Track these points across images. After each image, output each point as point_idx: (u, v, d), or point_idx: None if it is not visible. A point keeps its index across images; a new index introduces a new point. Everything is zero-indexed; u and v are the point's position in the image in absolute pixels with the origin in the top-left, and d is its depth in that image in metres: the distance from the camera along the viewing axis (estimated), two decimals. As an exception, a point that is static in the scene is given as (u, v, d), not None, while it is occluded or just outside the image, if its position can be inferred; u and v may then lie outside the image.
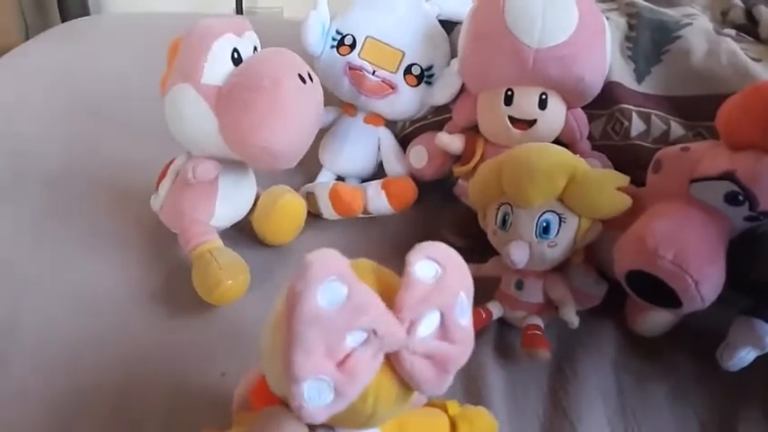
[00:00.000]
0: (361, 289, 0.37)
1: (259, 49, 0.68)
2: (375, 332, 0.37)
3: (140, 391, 0.61)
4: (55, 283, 0.72)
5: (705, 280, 0.55)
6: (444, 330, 0.39)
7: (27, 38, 1.38)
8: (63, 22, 1.45)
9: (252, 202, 0.75)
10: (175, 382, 0.61)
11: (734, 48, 0.76)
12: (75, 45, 1.23)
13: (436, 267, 0.39)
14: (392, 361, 0.39)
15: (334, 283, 0.36)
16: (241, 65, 0.64)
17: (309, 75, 0.65)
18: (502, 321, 0.69)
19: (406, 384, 0.39)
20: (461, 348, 0.40)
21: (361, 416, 0.40)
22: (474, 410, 0.52)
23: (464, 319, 0.40)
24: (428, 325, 0.39)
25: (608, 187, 0.62)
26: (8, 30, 1.32)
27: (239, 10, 1.47)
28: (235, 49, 0.64)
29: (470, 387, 0.62)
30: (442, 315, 0.39)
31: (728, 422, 0.60)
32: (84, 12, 1.49)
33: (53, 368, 0.63)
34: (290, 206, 0.74)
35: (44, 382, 0.62)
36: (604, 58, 0.74)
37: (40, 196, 0.85)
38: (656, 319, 0.66)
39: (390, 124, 0.88)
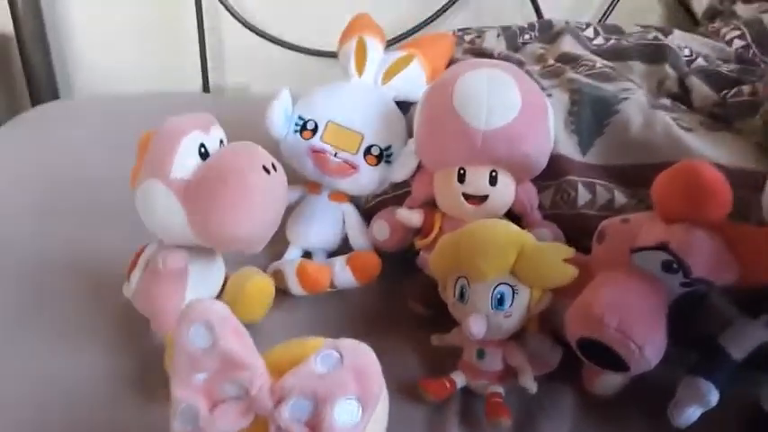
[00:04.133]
0: (232, 345, 0.42)
1: (225, 141, 0.72)
2: (247, 392, 0.42)
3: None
4: (24, 373, 0.73)
5: (648, 344, 0.59)
6: (316, 422, 0.41)
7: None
8: (33, 104, 1.48)
9: (221, 283, 0.78)
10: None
11: (668, 120, 0.82)
12: (45, 132, 1.26)
13: (335, 363, 0.42)
14: None
15: (200, 329, 0.42)
16: (208, 159, 0.68)
17: (273, 165, 0.69)
18: (466, 390, 0.71)
19: None
20: None
21: None
22: None
23: (344, 422, 0.41)
24: (296, 408, 0.42)
25: (555, 259, 0.66)
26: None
27: (206, 87, 1.52)
28: (202, 144, 0.68)
29: (438, 457, 0.65)
30: (315, 406, 0.41)
31: (683, 478, 0.63)
32: (54, 93, 1.52)
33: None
34: (259, 288, 0.76)
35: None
36: (548, 134, 0.79)
37: (10, 289, 0.86)
38: (610, 381, 0.69)
39: (354, 198, 0.92)
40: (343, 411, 0.41)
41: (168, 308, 0.72)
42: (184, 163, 0.67)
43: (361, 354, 0.43)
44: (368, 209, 0.93)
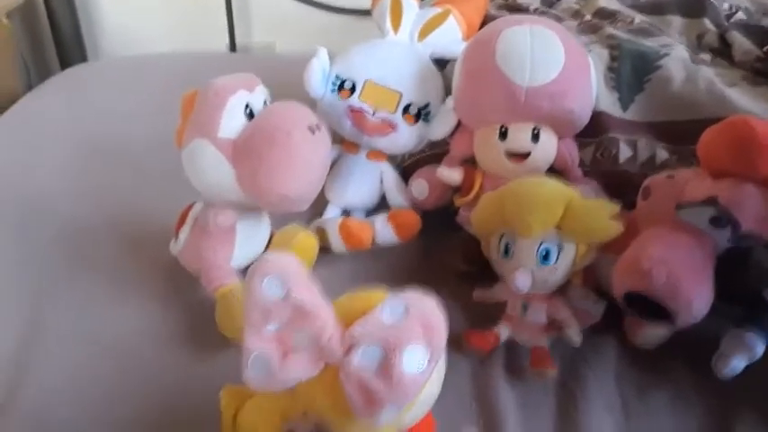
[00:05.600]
0: (304, 296, 0.43)
1: (269, 101, 0.72)
2: (318, 341, 0.43)
3: (178, 430, 0.65)
4: (77, 330, 0.76)
5: (696, 298, 0.60)
6: (385, 369, 0.42)
7: (29, 83, 1.42)
8: (62, 67, 1.49)
9: (267, 241, 0.80)
10: (209, 418, 0.64)
11: (710, 75, 0.81)
12: (77, 93, 1.26)
13: (402, 313, 0.43)
14: None
15: (274, 281, 0.43)
16: (255, 119, 0.69)
17: (318, 125, 0.69)
18: (510, 343, 0.73)
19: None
20: (396, 392, 0.42)
21: (314, 407, 0.47)
22: None
23: (413, 368, 0.42)
24: (366, 356, 0.43)
25: (601, 215, 0.67)
26: (10, 76, 1.35)
27: (233, 47, 1.52)
28: (247, 104, 0.69)
29: (484, 407, 0.67)
30: (384, 354, 0.42)
31: (725, 426, 0.65)
32: (82, 56, 1.53)
33: (92, 411, 0.67)
34: (304, 245, 0.78)
35: (86, 427, 0.65)
36: (591, 90, 0.79)
37: (58, 246, 0.88)
38: (654, 333, 0.70)
39: (391, 157, 0.93)
40: (412, 359, 0.42)
41: (217, 264, 0.74)
42: (231, 123, 0.68)
43: (427, 305, 0.44)
44: (405, 168, 0.93)
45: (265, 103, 0.72)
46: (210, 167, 0.69)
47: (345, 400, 0.43)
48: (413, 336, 0.42)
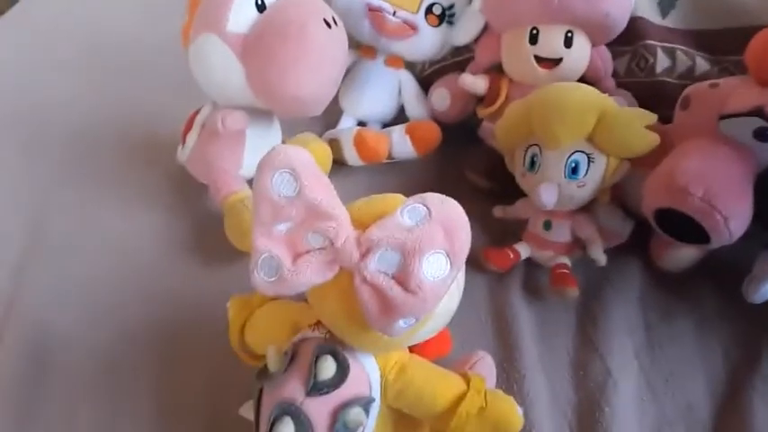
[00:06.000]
0: (318, 194, 0.40)
1: (282, -7, 0.67)
2: (332, 243, 0.40)
3: (183, 339, 0.63)
4: (81, 238, 0.74)
5: (734, 216, 0.56)
6: (403, 275, 0.39)
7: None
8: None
9: (278, 149, 0.76)
10: (216, 329, 0.62)
11: (763, -23, 0.74)
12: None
13: (423, 217, 0.39)
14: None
15: (285, 175, 0.40)
16: (266, 11, 0.63)
17: (334, 19, 0.64)
18: (529, 261, 0.70)
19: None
20: (414, 301, 0.39)
21: (325, 316, 0.44)
22: (497, 394, 0.48)
23: (433, 276, 0.39)
24: (383, 260, 0.39)
25: (637, 125, 0.62)
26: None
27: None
28: (258, -5, 0.64)
29: (500, 326, 0.64)
30: (403, 259, 0.39)
31: (753, 351, 0.62)
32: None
33: (92, 320, 0.65)
34: (317, 154, 0.73)
35: (78, 332, 0.64)
36: (629, -8, 0.73)
37: (65, 152, 0.86)
38: (682, 255, 0.67)
39: (410, 66, 0.87)
40: (432, 265, 0.39)
41: (225, 170, 0.70)
42: (241, 15, 0.63)
43: (450, 208, 0.40)
44: (425, 77, 0.88)
45: (278, -6, 0.66)
46: (218, 65, 0.64)
47: (359, 308, 0.40)
48: (434, 241, 0.39)
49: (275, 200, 0.39)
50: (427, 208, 0.40)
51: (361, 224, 0.41)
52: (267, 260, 0.40)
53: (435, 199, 0.40)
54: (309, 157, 0.40)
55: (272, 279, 0.40)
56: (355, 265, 0.40)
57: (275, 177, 0.39)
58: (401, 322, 0.40)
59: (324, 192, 0.40)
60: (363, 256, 0.39)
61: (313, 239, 0.40)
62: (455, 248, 0.39)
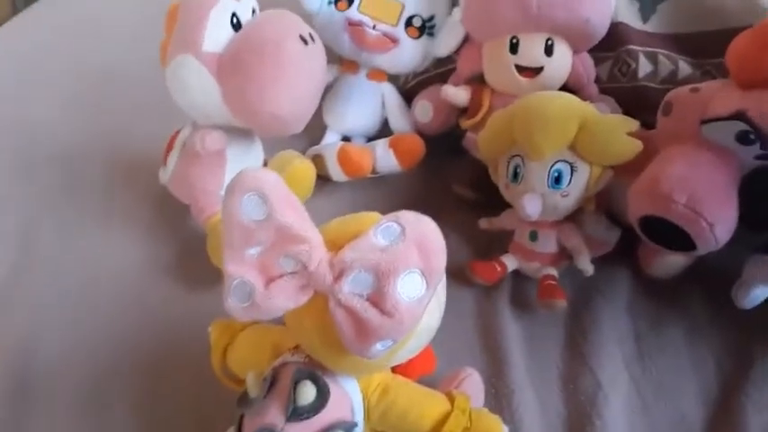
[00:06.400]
0: (288, 216, 0.39)
1: (257, 10, 0.66)
2: (305, 266, 0.39)
3: (167, 362, 0.62)
4: (66, 258, 0.74)
5: (719, 222, 0.55)
6: (378, 297, 0.38)
7: (14, 6, 1.36)
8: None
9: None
10: (199, 352, 0.61)
11: (741, -21, 0.74)
12: (67, 15, 1.21)
13: (397, 236, 0.38)
14: None
15: (254, 198, 0.39)
16: (241, 30, 0.63)
17: (311, 35, 0.64)
18: (517, 273, 0.69)
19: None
20: (390, 323, 0.38)
21: (303, 340, 0.44)
22: (482, 413, 0.48)
23: (408, 296, 0.38)
24: (357, 282, 0.39)
25: (619, 133, 0.61)
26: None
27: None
28: (234, 14, 0.63)
29: (488, 340, 0.64)
30: (378, 280, 0.38)
31: (744, 360, 0.61)
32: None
33: (76, 343, 0.65)
34: (300, 172, 0.73)
35: (61, 359, 0.63)
36: (609, -2, 0.72)
37: (50, 174, 0.86)
38: (670, 262, 0.66)
39: (393, 79, 0.87)
40: (407, 285, 0.38)
41: (207, 191, 0.70)
42: (216, 35, 0.62)
43: (424, 226, 0.39)
44: (408, 89, 0.87)
45: (254, 12, 0.66)
46: (195, 85, 0.63)
47: (336, 332, 0.40)
48: (409, 260, 0.38)
49: (245, 224, 0.39)
50: (401, 226, 0.39)
51: (335, 245, 0.40)
52: (240, 285, 0.39)
53: (409, 217, 0.39)
54: (278, 179, 0.39)
55: (246, 305, 0.40)
56: (329, 288, 0.39)
57: (243, 201, 0.38)
58: (378, 345, 0.39)
59: (294, 214, 0.39)
60: (337, 278, 0.39)
61: (285, 263, 0.40)
62: (431, 267, 0.39)
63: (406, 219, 0.39)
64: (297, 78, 0.62)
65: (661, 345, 0.63)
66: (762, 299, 0.61)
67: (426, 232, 0.39)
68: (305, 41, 0.62)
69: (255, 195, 0.38)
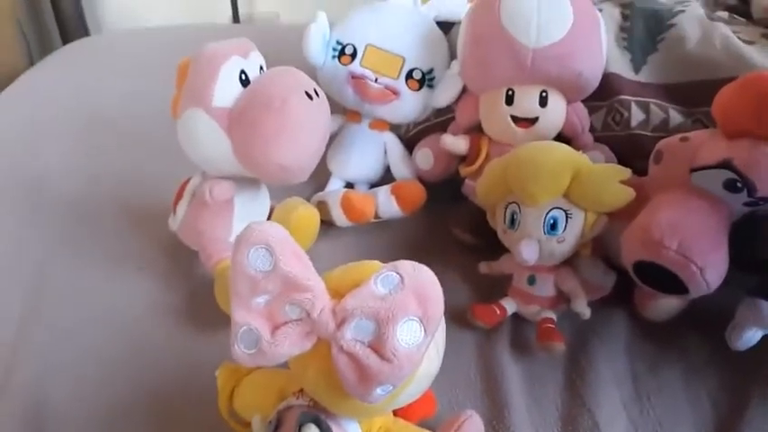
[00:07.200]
0: (292, 267, 0.41)
1: (265, 67, 0.70)
2: (309, 314, 0.41)
3: (176, 408, 0.64)
4: (77, 308, 0.75)
5: (709, 266, 0.57)
6: (379, 343, 0.40)
7: (30, 59, 1.40)
8: (64, 42, 1.47)
9: (267, 215, 0.78)
10: (208, 397, 0.63)
11: (727, 32, 0.77)
12: (79, 68, 1.25)
13: (396, 284, 0.41)
14: None
15: (261, 251, 0.41)
16: (249, 86, 0.66)
17: (316, 91, 0.67)
18: (516, 316, 0.71)
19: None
20: (389, 368, 0.40)
21: (307, 384, 0.46)
22: None
23: (407, 343, 0.40)
24: (359, 329, 0.41)
25: (611, 181, 0.64)
26: (10, 51, 1.33)
27: (236, 17, 1.49)
28: (242, 71, 0.66)
29: (489, 382, 0.65)
30: (378, 327, 0.40)
31: (740, 401, 0.62)
32: (84, 30, 1.51)
33: (87, 387, 0.66)
34: (305, 219, 0.75)
35: (74, 403, 0.64)
36: (601, 51, 0.76)
37: (60, 222, 0.87)
38: (665, 305, 0.68)
39: (395, 128, 0.90)
40: (406, 332, 0.40)
41: (215, 238, 0.72)
42: (226, 90, 0.65)
43: (422, 275, 0.41)
44: (409, 138, 0.90)
45: (261, 69, 0.69)
46: (205, 138, 0.66)
47: (338, 376, 0.41)
48: (407, 308, 0.40)
49: (252, 274, 0.41)
50: (399, 275, 0.41)
51: (338, 293, 0.43)
52: (246, 333, 0.42)
53: (407, 266, 0.42)
54: (284, 232, 0.42)
55: (252, 351, 0.42)
56: (332, 334, 0.41)
57: (251, 253, 0.41)
58: (379, 390, 0.41)
59: (299, 264, 0.41)
60: (339, 325, 0.41)
61: (290, 311, 0.42)
62: (428, 314, 0.41)
63: (404, 268, 0.41)
64: (301, 132, 0.65)
65: (658, 385, 0.64)
66: (755, 341, 0.62)
67: (424, 281, 0.41)
68: (310, 97, 0.65)
69: (262, 248, 0.41)
